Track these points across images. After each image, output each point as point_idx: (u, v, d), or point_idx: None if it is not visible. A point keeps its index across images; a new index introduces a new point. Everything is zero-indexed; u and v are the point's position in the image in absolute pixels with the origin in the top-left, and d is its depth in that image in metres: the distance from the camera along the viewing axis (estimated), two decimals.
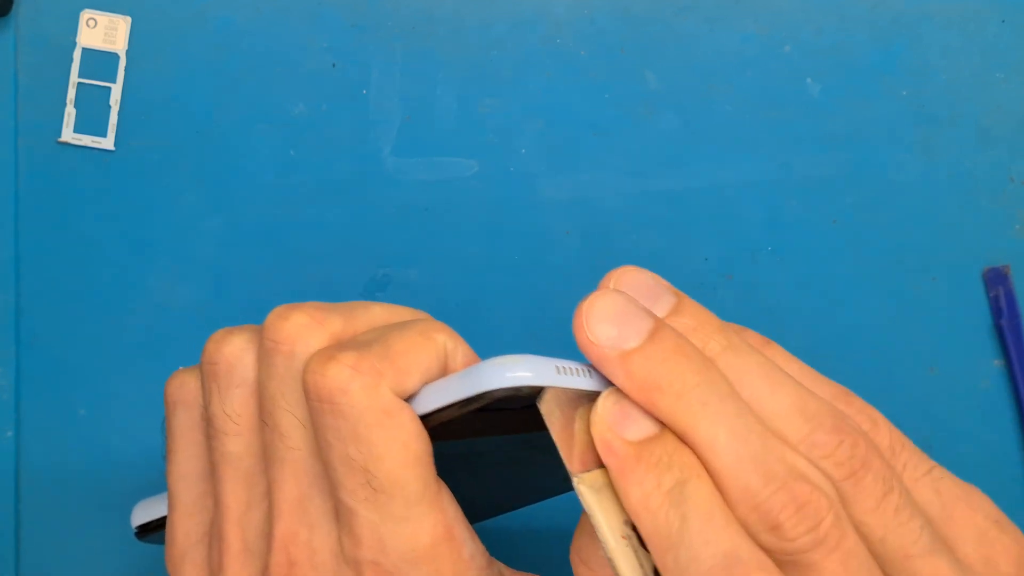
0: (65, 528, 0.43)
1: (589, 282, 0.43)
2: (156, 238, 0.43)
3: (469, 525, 0.26)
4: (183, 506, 0.28)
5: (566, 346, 0.44)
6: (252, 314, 0.43)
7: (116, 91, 0.42)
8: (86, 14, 0.42)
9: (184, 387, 0.28)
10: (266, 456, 0.26)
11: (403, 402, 0.25)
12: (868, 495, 0.24)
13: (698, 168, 0.43)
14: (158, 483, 0.43)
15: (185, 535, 0.28)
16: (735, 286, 0.43)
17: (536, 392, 0.24)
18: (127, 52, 0.43)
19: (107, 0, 0.42)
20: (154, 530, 0.31)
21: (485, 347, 0.44)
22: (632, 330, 0.25)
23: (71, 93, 0.42)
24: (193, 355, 0.43)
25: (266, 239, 0.43)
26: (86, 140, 0.42)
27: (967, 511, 0.26)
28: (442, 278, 0.43)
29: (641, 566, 0.23)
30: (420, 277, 0.43)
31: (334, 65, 0.43)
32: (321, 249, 0.43)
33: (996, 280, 0.43)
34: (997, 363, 0.43)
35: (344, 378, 0.24)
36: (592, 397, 0.25)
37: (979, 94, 0.43)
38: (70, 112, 0.42)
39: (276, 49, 0.43)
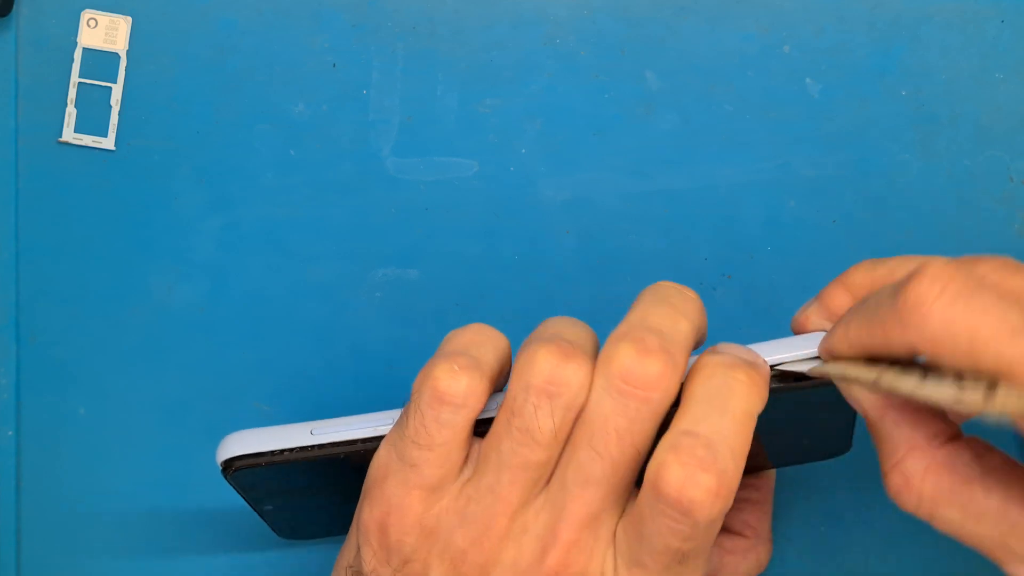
0: (66, 527, 0.43)
1: (589, 282, 0.43)
2: (156, 238, 0.43)
3: None
4: (427, 486, 0.30)
5: None
6: (251, 314, 0.43)
7: (117, 91, 0.43)
8: (87, 14, 0.42)
9: (473, 394, 0.30)
10: (576, 474, 0.29)
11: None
12: None
13: (698, 168, 0.43)
14: (158, 482, 0.43)
15: (426, 505, 0.30)
16: (734, 286, 0.43)
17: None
18: (128, 52, 0.43)
19: (108, 0, 0.42)
20: (255, 464, 0.32)
21: None
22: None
23: (72, 93, 0.42)
24: (193, 355, 0.43)
25: (266, 239, 0.43)
26: (87, 140, 0.43)
27: None
28: (442, 278, 0.43)
29: None
30: (420, 277, 0.43)
31: (334, 65, 0.43)
32: (321, 249, 0.43)
33: None
34: None
35: (707, 506, 0.27)
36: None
37: (979, 94, 0.43)
38: (71, 112, 0.42)
39: (277, 49, 0.43)
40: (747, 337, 0.43)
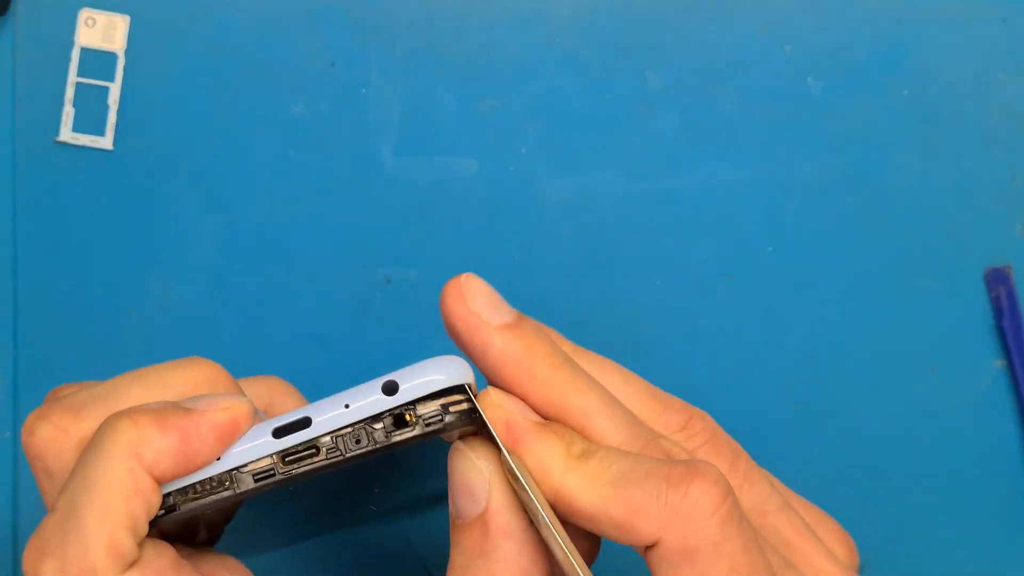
0: None
1: (589, 282, 0.43)
2: (154, 238, 0.43)
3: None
4: None
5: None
6: (249, 314, 0.43)
7: (115, 90, 0.42)
8: (85, 13, 0.42)
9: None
10: None
11: None
12: (722, 459, 0.28)
13: (699, 168, 0.43)
14: None
15: None
16: (735, 286, 0.43)
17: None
18: (126, 51, 0.42)
19: None
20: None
21: None
22: (504, 310, 0.27)
23: (69, 92, 0.42)
24: (191, 355, 0.43)
25: (265, 239, 0.43)
26: (84, 139, 0.42)
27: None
28: (442, 278, 0.43)
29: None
30: (420, 277, 0.43)
31: (333, 64, 0.43)
32: (320, 249, 0.43)
33: (998, 280, 0.43)
34: (998, 363, 0.43)
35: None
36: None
37: (981, 94, 0.43)
38: (68, 111, 0.42)
39: (275, 48, 0.43)
40: (748, 337, 0.43)
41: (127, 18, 0.42)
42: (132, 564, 0.25)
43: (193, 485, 0.25)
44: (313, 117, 0.43)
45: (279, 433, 0.25)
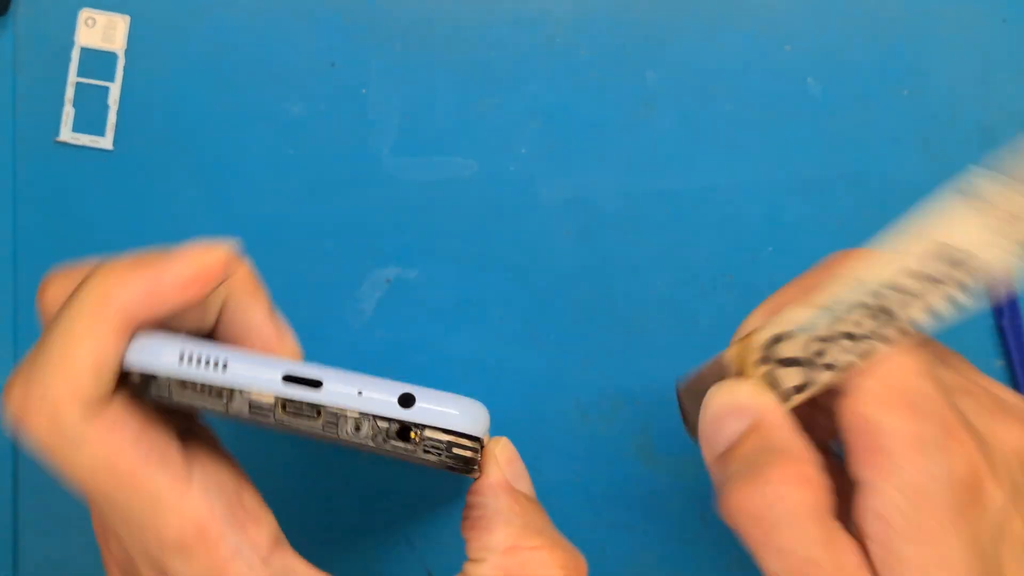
0: (62, 528, 0.43)
1: (589, 282, 0.43)
2: (155, 238, 0.42)
3: (235, 520, 0.27)
4: None
5: (565, 346, 0.44)
6: None
7: (115, 90, 0.42)
8: (85, 13, 0.42)
9: None
10: None
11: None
12: None
13: (698, 168, 0.43)
14: None
15: None
16: (735, 286, 0.43)
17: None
18: (126, 51, 0.42)
19: None
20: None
21: (485, 347, 0.44)
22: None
23: (69, 92, 0.42)
24: None
25: (265, 239, 0.43)
26: (84, 139, 0.42)
27: None
28: (441, 278, 0.43)
29: None
30: (419, 277, 0.43)
31: (333, 64, 0.43)
32: (320, 249, 0.43)
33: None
34: (998, 363, 0.43)
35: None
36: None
37: (980, 94, 0.43)
38: (68, 111, 0.42)
39: (275, 48, 0.43)
40: None
41: (127, 18, 0.42)
42: (97, 415, 0.26)
43: (194, 383, 0.26)
44: (313, 117, 0.43)
45: (289, 380, 0.25)
